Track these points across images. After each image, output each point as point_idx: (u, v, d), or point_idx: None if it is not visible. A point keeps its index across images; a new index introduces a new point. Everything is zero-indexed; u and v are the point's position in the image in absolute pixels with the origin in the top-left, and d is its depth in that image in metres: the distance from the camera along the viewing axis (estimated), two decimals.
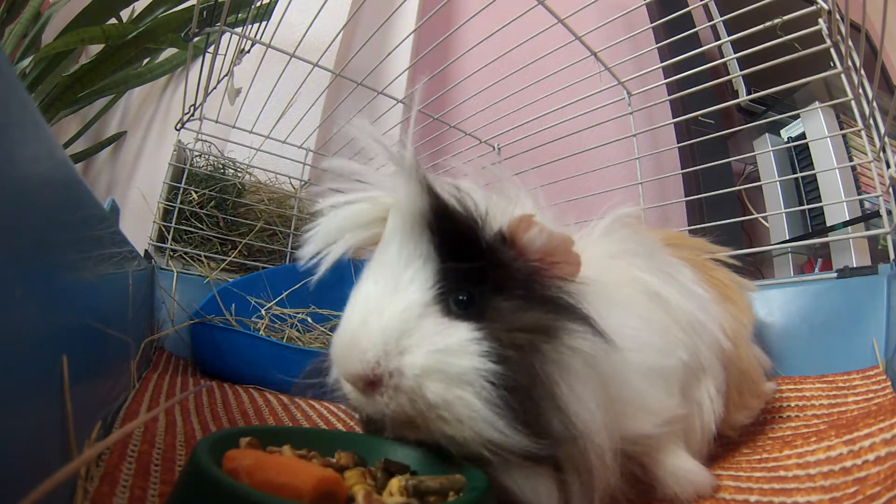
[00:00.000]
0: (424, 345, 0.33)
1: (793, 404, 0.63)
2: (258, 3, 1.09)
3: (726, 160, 1.31)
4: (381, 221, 0.37)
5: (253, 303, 1.03)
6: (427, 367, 0.32)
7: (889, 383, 0.59)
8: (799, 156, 1.59)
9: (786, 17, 0.82)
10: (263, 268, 1.17)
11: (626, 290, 0.44)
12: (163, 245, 1.12)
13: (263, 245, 1.24)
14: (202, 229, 1.17)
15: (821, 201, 1.44)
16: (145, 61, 1.79)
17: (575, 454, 0.34)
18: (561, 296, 0.36)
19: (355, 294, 0.36)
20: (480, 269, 0.35)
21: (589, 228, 0.49)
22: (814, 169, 1.48)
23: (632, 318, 0.41)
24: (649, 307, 0.44)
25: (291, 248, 1.26)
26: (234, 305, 0.99)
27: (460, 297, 0.34)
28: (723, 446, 0.51)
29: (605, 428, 0.34)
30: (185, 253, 1.14)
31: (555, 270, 0.37)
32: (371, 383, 0.33)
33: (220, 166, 1.28)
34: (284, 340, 0.94)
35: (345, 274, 0.43)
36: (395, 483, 0.33)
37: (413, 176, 0.34)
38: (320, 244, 0.37)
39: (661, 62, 1.07)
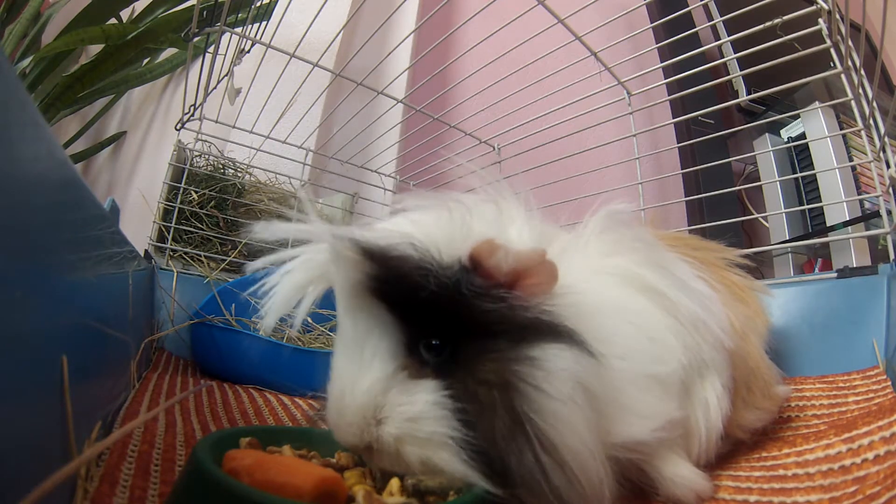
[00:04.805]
0: (395, 414, 0.34)
1: (793, 404, 0.63)
2: (258, 3, 1.09)
3: (726, 160, 1.31)
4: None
5: (253, 303, 1.03)
6: (400, 436, 0.33)
7: (889, 383, 0.59)
8: (799, 156, 1.59)
9: (786, 17, 0.82)
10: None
11: (616, 290, 0.42)
12: (163, 245, 1.12)
13: (263, 245, 1.23)
14: (202, 229, 1.17)
15: (821, 201, 1.44)
16: (145, 61, 1.79)
17: (564, 483, 0.32)
18: (537, 317, 0.34)
19: (332, 367, 0.36)
20: (447, 310, 0.33)
21: (581, 226, 0.47)
22: (814, 169, 1.48)
23: (621, 323, 0.39)
24: (644, 308, 0.42)
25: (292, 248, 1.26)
26: (234, 305, 0.99)
27: (433, 343, 0.34)
28: (728, 447, 0.50)
29: (596, 447, 0.34)
30: (185, 253, 1.14)
31: (529, 289, 0.35)
32: (363, 449, 0.35)
33: (220, 166, 1.28)
34: (284, 340, 0.94)
35: None
36: (395, 483, 0.33)
37: (342, 250, 0.33)
38: (277, 314, 0.37)
39: (661, 62, 1.07)
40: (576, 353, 0.34)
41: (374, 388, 0.34)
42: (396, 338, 0.34)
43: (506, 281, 0.34)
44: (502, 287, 0.34)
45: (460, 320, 0.34)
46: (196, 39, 1.00)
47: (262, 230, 0.35)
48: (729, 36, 1.17)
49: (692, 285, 0.46)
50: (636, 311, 0.42)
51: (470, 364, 0.34)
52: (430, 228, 0.36)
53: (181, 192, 1.16)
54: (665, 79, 1.13)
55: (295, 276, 0.37)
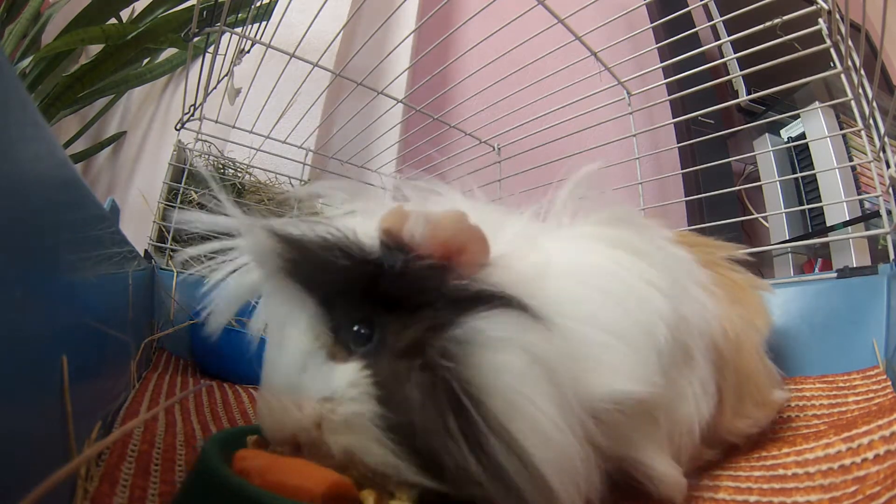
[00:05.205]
0: (312, 395, 0.31)
1: (793, 404, 0.63)
2: (258, 3, 1.09)
3: (726, 160, 1.31)
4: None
5: (253, 303, 1.02)
6: (318, 419, 0.30)
7: (889, 383, 0.59)
8: (799, 156, 1.59)
9: (786, 17, 0.82)
10: None
11: (586, 254, 0.37)
12: (163, 245, 1.12)
13: None
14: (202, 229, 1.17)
15: (821, 201, 1.45)
16: (145, 61, 1.79)
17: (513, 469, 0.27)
18: (470, 286, 0.30)
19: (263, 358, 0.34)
20: (370, 291, 0.31)
21: (547, 202, 0.43)
22: (814, 169, 1.48)
23: (585, 287, 0.34)
24: (616, 268, 0.36)
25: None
26: None
27: (360, 331, 0.31)
28: (715, 454, 0.48)
29: (564, 419, 0.29)
30: (186, 230, 1.14)
31: (462, 261, 0.31)
32: (291, 442, 0.31)
33: (220, 166, 1.28)
34: None
35: None
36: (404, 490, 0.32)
37: (259, 238, 0.31)
38: (223, 317, 0.36)
39: (661, 62, 1.07)
40: (520, 319, 0.29)
41: (291, 367, 0.31)
42: (319, 322, 0.32)
43: (431, 253, 0.31)
44: (429, 260, 0.30)
45: (384, 300, 0.31)
46: (196, 39, 1.00)
47: (188, 220, 0.34)
48: (729, 36, 1.17)
49: (685, 280, 0.42)
50: (606, 273, 0.36)
51: (391, 340, 0.31)
52: (359, 219, 0.35)
53: (181, 192, 1.16)
54: (665, 79, 1.13)
55: (243, 279, 0.35)
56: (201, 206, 0.35)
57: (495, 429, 0.27)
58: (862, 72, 0.75)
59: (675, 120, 1.23)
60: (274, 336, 0.33)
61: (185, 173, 1.18)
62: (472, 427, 0.27)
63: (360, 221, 0.34)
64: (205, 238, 0.35)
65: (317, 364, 0.31)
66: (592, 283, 0.34)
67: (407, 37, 1.29)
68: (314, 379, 0.31)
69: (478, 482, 0.27)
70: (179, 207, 1.15)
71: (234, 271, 0.36)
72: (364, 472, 0.30)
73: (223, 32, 0.97)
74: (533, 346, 0.29)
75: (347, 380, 0.30)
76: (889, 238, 0.73)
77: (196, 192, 1.18)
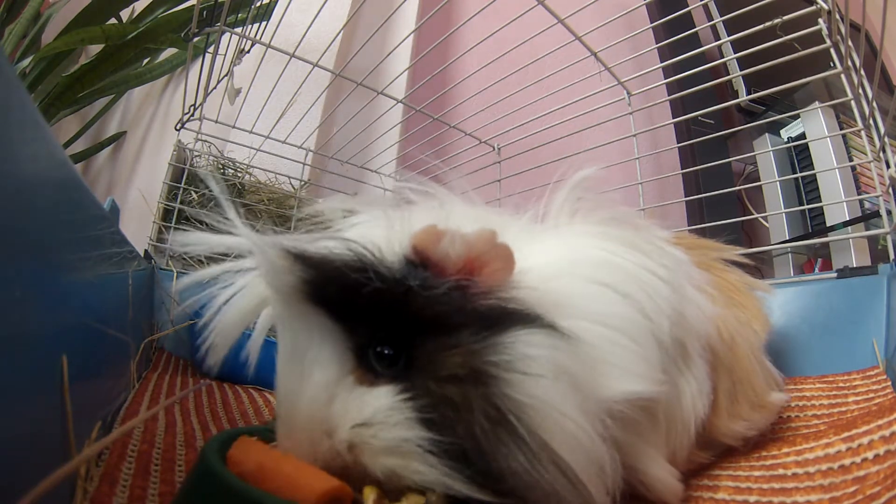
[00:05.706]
0: (345, 422, 0.30)
1: (793, 404, 0.63)
2: (258, 3, 1.09)
3: (726, 160, 1.31)
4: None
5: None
6: (353, 444, 0.30)
7: (889, 383, 0.59)
8: (799, 156, 1.59)
9: (786, 17, 0.82)
10: None
11: (585, 263, 0.37)
12: (163, 245, 1.12)
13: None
14: (202, 230, 1.17)
15: (821, 201, 1.45)
16: (145, 61, 1.79)
17: (556, 474, 0.29)
18: (499, 304, 0.31)
19: (276, 385, 0.33)
20: (396, 311, 0.30)
21: (545, 204, 0.43)
22: (814, 169, 1.48)
23: (596, 290, 0.35)
24: (622, 272, 0.37)
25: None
26: None
27: (384, 352, 0.31)
28: (711, 458, 0.48)
29: (590, 424, 0.30)
30: (185, 253, 1.14)
31: (484, 276, 0.31)
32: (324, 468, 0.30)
33: (220, 166, 1.28)
34: None
35: None
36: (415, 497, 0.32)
37: (272, 258, 0.30)
38: (222, 347, 0.35)
39: (661, 62, 1.07)
40: (549, 335, 0.30)
41: (318, 398, 0.30)
42: (342, 345, 0.31)
43: (458, 271, 0.31)
44: (456, 277, 0.31)
45: (413, 321, 0.30)
46: (196, 39, 1.00)
47: (192, 242, 0.32)
48: (729, 36, 1.17)
49: (680, 282, 0.42)
50: (608, 266, 0.37)
51: (430, 363, 0.30)
52: (367, 229, 0.34)
53: (181, 192, 1.16)
54: (665, 79, 1.13)
55: (241, 302, 0.34)
56: (201, 222, 0.33)
57: (538, 441, 0.28)
58: (862, 72, 0.75)
59: (675, 120, 1.23)
60: (292, 364, 0.31)
61: (185, 173, 1.18)
62: (521, 442, 0.28)
63: (371, 231, 0.33)
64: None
65: (345, 391, 0.31)
66: (596, 278, 0.35)
67: (407, 37, 1.29)
68: (345, 408, 0.30)
69: (531, 493, 0.28)
70: (179, 207, 1.15)
71: (231, 297, 0.34)
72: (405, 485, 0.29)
73: (223, 32, 0.97)
74: (561, 360, 0.30)
75: (384, 405, 0.30)
76: (889, 238, 0.73)
77: (196, 192, 1.18)
